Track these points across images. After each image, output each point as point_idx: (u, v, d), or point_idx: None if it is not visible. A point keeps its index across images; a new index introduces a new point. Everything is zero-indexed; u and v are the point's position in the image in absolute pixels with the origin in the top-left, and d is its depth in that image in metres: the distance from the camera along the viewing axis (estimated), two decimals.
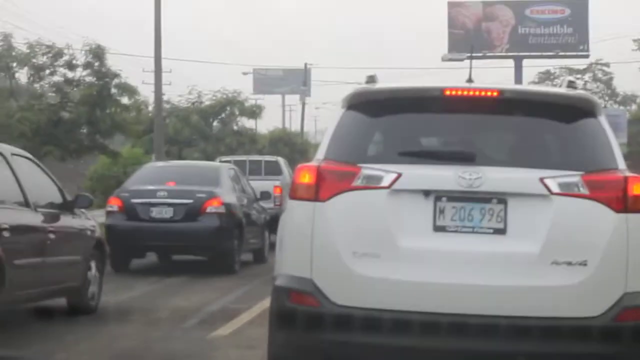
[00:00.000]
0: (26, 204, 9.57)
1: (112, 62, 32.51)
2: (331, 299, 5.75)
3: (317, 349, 5.87)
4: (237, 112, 48.60)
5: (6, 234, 8.74)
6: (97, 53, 31.52)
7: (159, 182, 16.58)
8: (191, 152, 44.11)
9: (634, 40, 52.72)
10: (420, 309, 5.64)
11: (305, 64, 68.92)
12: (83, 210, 11.16)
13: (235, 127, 48.70)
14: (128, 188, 16.58)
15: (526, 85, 6.26)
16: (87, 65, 31.62)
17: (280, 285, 5.98)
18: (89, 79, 31.88)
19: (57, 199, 10.58)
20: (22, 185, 9.59)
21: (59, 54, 31.28)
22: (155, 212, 15.83)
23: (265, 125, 69.35)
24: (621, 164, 5.99)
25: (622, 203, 5.72)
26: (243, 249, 16.89)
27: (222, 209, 15.98)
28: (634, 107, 59.42)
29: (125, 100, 32.94)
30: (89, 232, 11.10)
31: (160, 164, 21.14)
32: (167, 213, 15.85)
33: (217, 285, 14.21)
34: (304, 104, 69.68)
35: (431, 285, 5.68)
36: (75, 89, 31.93)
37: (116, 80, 32.00)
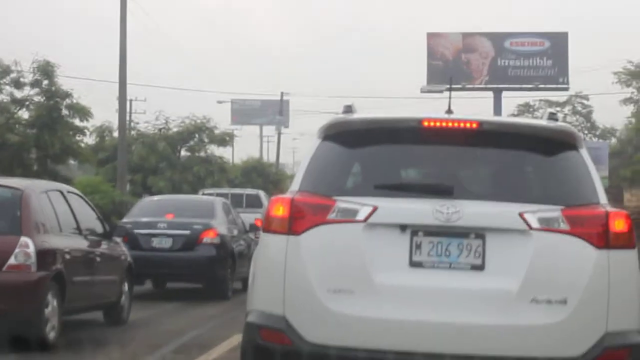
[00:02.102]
0: (79, 232, 11.85)
1: (85, 88, 31.44)
2: (304, 336, 5.62)
3: None
4: (206, 140, 46.80)
5: (67, 256, 10.93)
6: (47, 70, 29.51)
7: (158, 214, 18.03)
8: (156, 180, 42.75)
9: (614, 73, 53.08)
10: (396, 347, 5.51)
11: (282, 93, 68.86)
12: (117, 238, 13.45)
13: (204, 155, 46.87)
14: (130, 220, 17.86)
15: (506, 117, 6.19)
16: (35, 84, 29.64)
17: (252, 321, 5.84)
18: (37, 98, 29.93)
19: (99, 228, 12.78)
20: (76, 216, 11.86)
21: (6, 71, 29.31)
22: (155, 242, 17.21)
23: (242, 155, 69.37)
24: (602, 198, 5.88)
25: (603, 239, 5.62)
26: (235, 277, 18.15)
27: (217, 240, 17.41)
28: (613, 140, 59.79)
29: (77, 122, 30.94)
30: (123, 257, 13.41)
31: (157, 198, 22.57)
32: (167, 243, 17.29)
33: (209, 312, 15.29)
34: (279, 134, 69.59)
35: (407, 323, 5.54)
36: (22, 109, 30.02)
37: (67, 101, 30.05)
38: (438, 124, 6.01)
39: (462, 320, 5.51)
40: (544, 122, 6.29)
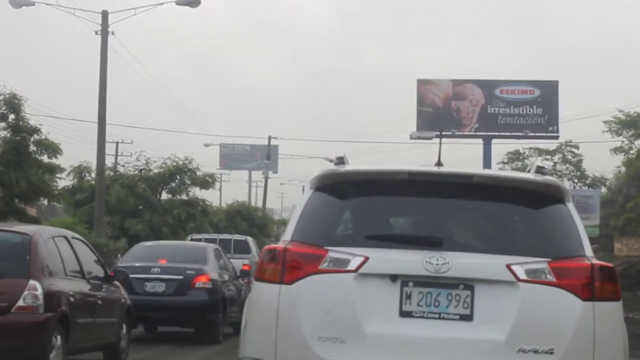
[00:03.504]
0: (82, 276, 12.58)
1: (65, 128, 30.05)
2: None
3: None
4: (187, 182, 44.94)
5: (71, 298, 11.57)
6: (13, 104, 28.03)
7: (152, 259, 18.53)
8: (134, 223, 41.57)
9: (604, 122, 53.50)
10: None
11: (269, 137, 68.10)
12: (117, 282, 14.13)
13: (185, 197, 45.11)
14: (124, 264, 18.31)
15: (494, 170, 6.44)
16: (1, 118, 28.16)
17: None
18: (3, 133, 28.42)
19: (101, 272, 13.51)
20: (80, 261, 12.61)
21: None
22: (149, 287, 17.73)
23: (230, 199, 68.98)
24: (588, 251, 6.12)
25: (589, 291, 5.86)
26: (225, 321, 18.69)
27: (209, 285, 18.01)
28: (603, 189, 60.05)
29: (46, 159, 29.12)
30: (122, 300, 14.09)
31: (150, 243, 22.78)
32: (160, 287, 17.85)
33: (201, 355, 15.93)
34: (266, 178, 68.44)
35: None
36: None
37: (36, 137, 28.54)
38: (427, 176, 6.29)
39: None
40: (531, 176, 6.48)
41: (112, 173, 44.01)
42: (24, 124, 28.38)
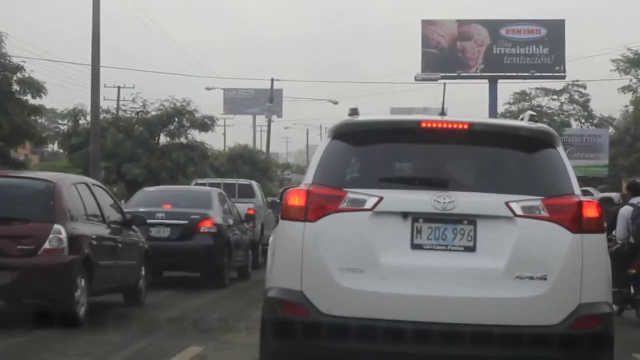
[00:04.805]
0: (103, 220, 13.48)
1: (68, 75, 27.89)
2: (319, 309, 6.74)
3: (307, 356, 6.85)
4: (186, 124, 43.95)
5: (93, 242, 12.59)
6: None
7: (156, 204, 18.96)
8: (132, 167, 40.77)
9: (612, 61, 53.85)
10: (399, 317, 6.66)
11: (272, 80, 67.27)
12: (135, 227, 14.95)
13: (184, 141, 44.10)
14: (128, 210, 18.16)
15: (493, 119, 7.15)
16: None
17: (273, 296, 6.96)
18: None
19: (120, 217, 14.39)
20: (100, 207, 13.53)
21: None
22: (154, 232, 17.99)
23: (233, 144, 69.10)
24: (577, 189, 7.08)
25: (578, 224, 6.79)
26: (231, 265, 19.28)
27: (214, 229, 18.47)
28: (610, 129, 60.42)
29: (30, 98, 27.83)
30: (140, 244, 15.04)
31: (154, 188, 23.00)
32: (165, 232, 18.30)
33: (210, 298, 16.47)
34: (269, 121, 67.78)
35: (408, 297, 6.70)
36: None
37: (19, 75, 27.43)
38: (434, 125, 7.22)
39: (456, 294, 6.68)
40: (525, 124, 7.51)
41: (107, 116, 42.89)
42: (6, 62, 27.24)
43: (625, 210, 14.37)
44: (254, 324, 11.29)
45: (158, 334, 11.55)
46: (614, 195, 32.39)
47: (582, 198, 6.99)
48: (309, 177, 7.16)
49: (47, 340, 10.71)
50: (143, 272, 14.83)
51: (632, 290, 13.97)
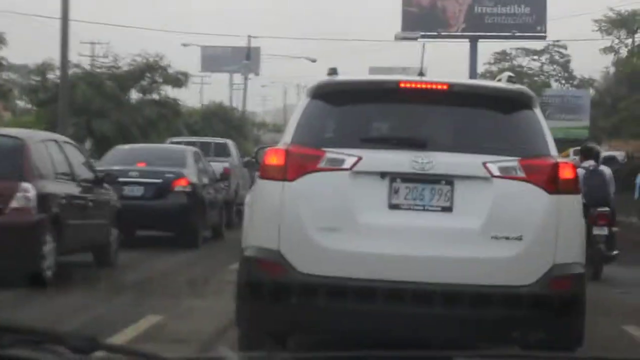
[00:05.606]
0: (73, 178, 13.41)
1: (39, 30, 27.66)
2: (297, 268, 6.84)
3: (283, 314, 6.94)
4: (159, 80, 42.85)
5: (62, 200, 12.58)
6: None
7: (129, 162, 18.95)
8: (101, 123, 39.85)
9: (594, 21, 53.94)
10: (376, 276, 6.78)
11: (249, 36, 66.30)
12: (107, 185, 14.93)
13: (157, 97, 42.96)
14: (101, 168, 18.04)
15: (472, 80, 7.27)
16: None
17: (250, 255, 7.06)
18: None
19: (91, 175, 14.35)
20: (70, 164, 13.45)
21: None
22: (127, 190, 17.95)
23: (207, 101, 68.67)
24: (553, 151, 7.20)
25: (554, 185, 6.92)
26: (205, 225, 19.33)
27: (188, 188, 18.50)
28: (591, 91, 60.71)
29: None
30: (112, 203, 15.02)
31: (128, 146, 22.83)
32: (138, 191, 18.28)
33: (185, 258, 16.54)
34: (246, 79, 67.22)
35: (385, 257, 6.83)
36: None
37: None
38: (413, 85, 7.33)
39: (433, 254, 6.82)
40: (503, 85, 7.69)
41: (78, 71, 41.49)
42: None
43: (578, 173, 14.85)
44: (222, 287, 11.45)
45: (121, 298, 11.27)
46: (618, 154, 32.72)
47: (559, 159, 7.13)
48: (287, 137, 7.25)
49: (7, 300, 10.65)
50: (114, 232, 14.81)
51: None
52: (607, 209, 14.70)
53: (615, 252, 14.78)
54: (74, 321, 9.70)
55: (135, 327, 9.33)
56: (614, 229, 14.93)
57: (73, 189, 13.29)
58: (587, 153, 15.36)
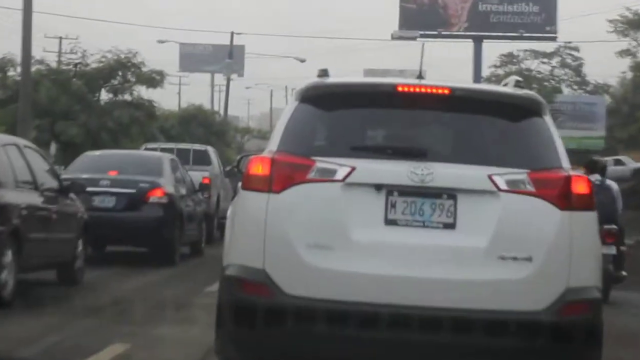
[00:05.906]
0: (35, 187, 13.26)
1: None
2: (284, 289, 6.74)
3: (268, 340, 6.83)
4: (131, 79, 42.75)
5: (24, 212, 12.44)
6: None
7: (100, 170, 18.85)
8: (67, 126, 39.75)
9: (609, 21, 54.06)
10: (370, 300, 6.68)
11: (232, 33, 65.87)
12: (73, 195, 14.69)
13: (129, 98, 42.95)
14: (68, 176, 17.86)
15: (476, 84, 7.24)
16: None
17: (232, 275, 6.94)
18: None
19: (55, 184, 14.10)
20: (33, 172, 13.27)
21: None
22: (97, 201, 17.93)
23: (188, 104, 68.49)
24: (565, 162, 7.12)
25: (566, 200, 6.85)
26: (182, 240, 19.24)
27: (164, 199, 18.40)
28: (606, 97, 60.62)
29: None
30: (79, 214, 14.83)
31: (99, 152, 22.74)
32: (110, 202, 18.17)
33: (159, 277, 16.41)
34: (228, 79, 66.94)
35: (381, 278, 6.72)
36: None
37: None
38: (411, 89, 7.22)
39: (433, 275, 6.71)
40: (510, 90, 7.58)
41: (41, 67, 41.62)
42: None
43: None
44: (196, 314, 11.38)
45: (82, 324, 10.95)
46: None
47: (571, 172, 7.04)
48: (273, 144, 7.15)
49: None
50: (81, 247, 14.60)
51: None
52: (614, 226, 14.76)
53: (623, 273, 14.85)
54: (29, 348, 9.49)
55: (96, 358, 9.08)
56: (622, 248, 15.01)
57: (35, 199, 13.12)
58: (592, 167, 15.41)
